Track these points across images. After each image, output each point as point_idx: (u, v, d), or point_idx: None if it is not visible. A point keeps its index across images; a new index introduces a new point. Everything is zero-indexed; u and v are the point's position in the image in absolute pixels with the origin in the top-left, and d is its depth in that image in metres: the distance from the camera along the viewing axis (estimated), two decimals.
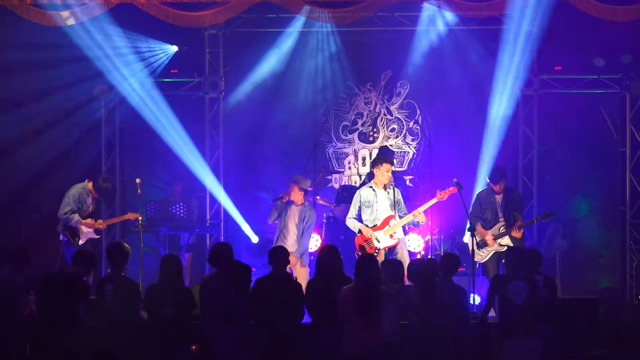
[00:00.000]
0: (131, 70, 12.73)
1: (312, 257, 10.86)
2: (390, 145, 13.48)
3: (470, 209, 10.98)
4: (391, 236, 10.74)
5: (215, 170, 13.04)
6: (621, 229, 12.83)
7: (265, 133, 13.47)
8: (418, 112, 13.55)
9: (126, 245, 8.84)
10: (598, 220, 13.05)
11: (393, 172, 11.02)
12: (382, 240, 10.69)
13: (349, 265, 8.53)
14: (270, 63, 13.30)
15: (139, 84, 12.81)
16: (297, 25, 13.01)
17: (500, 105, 12.82)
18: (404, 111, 13.58)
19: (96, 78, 12.72)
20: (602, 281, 12.77)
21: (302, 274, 10.77)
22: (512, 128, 12.91)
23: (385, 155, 11.56)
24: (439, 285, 8.14)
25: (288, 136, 13.45)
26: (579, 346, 8.69)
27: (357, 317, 7.81)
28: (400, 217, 10.82)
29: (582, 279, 12.76)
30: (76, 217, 11.34)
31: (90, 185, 11.52)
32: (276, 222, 11.23)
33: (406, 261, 10.39)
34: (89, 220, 11.45)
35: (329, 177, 13.62)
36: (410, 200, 11.95)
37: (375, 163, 11.01)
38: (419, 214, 10.78)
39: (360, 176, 13.45)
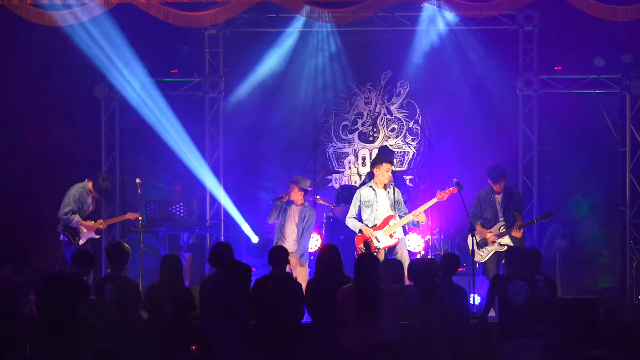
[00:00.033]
0: (131, 70, 12.72)
1: (312, 257, 10.86)
2: (390, 145, 13.47)
3: (471, 209, 10.99)
4: (391, 236, 10.75)
5: (215, 170, 13.03)
6: (621, 229, 12.82)
7: (265, 133, 13.47)
8: (418, 112, 13.55)
9: (126, 245, 8.85)
10: (598, 220, 13.04)
11: (393, 172, 11.02)
12: (382, 240, 10.70)
13: (349, 265, 8.54)
14: (270, 63, 13.28)
15: (139, 84, 12.81)
16: (297, 25, 13.00)
17: (500, 105, 12.83)
18: (404, 111, 13.59)
19: (96, 78, 12.73)
20: (602, 281, 12.78)
21: (301, 274, 10.77)
22: (512, 128, 12.92)
23: (385, 155, 11.56)
24: (439, 285, 8.14)
25: (288, 136, 13.45)
26: (579, 346, 8.67)
27: (356, 316, 7.81)
28: (400, 217, 10.82)
29: (582, 279, 12.75)
30: (77, 218, 11.35)
31: (90, 184, 11.53)
32: (276, 221, 11.24)
33: (406, 261, 10.41)
34: (89, 222, 11.46)
35: (329, 177, 13.62)
36: (410, 200, 11.96)
37: (375, 163, 11.01)
38: (419, 214, 10.79)
39: (360, 176, 13.45)
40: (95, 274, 11.03)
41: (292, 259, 10.87)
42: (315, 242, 12.13)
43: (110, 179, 11.85)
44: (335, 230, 12.25)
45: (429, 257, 11.50)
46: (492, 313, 8.97)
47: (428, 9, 12.61)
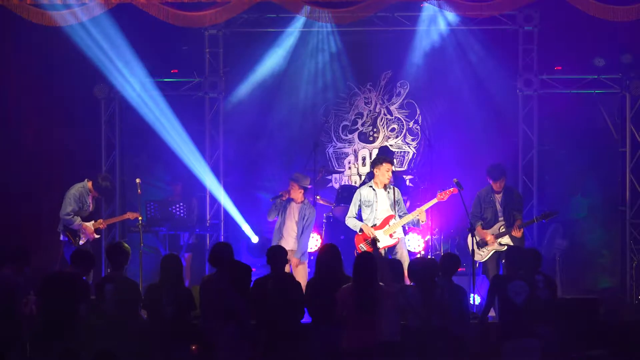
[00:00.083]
0: (131, 70, 12.72)
1: (312, 257, 10.86)
2: (390, 145, 13.47)
3: (471, 209, 10.99)
4: (391, 236, 10.75)
5: (215, 170, 13.03)
6: (621, 229, 12.82)
7: (265, 133, 13.47)
8: (418, 112, 13.55)
9: (126, 245, 8.85)
10: (598, 220, 13.04)
11: (393, 172, 11.02)
12: (381, 240, 10.69)
13: (349, 265, 8.53)
14: (270, 63, 13.28)
15: (139, 84, 12.81)
16: (297, 25, 13.00)
17: (500, 105, 12.83)
18: (404, 111, 13.58)
19: (96, 78, 12.72)
20: (602, 281, 12.78)
21: (301, 274, 10.78)
22: (512, 128, 12.92)
23: (385, 155, 11.56)
24: (439, 285, 8.15)
25: (288, 136, 13.45)
26: (579, 346, 8.67)
27: (356, 316, 7.82)
28: (400, 217, 10.82)
29: (582, 279, 12.75)
30: (78, 220, 11.35)
31: (89, 184, 11.55)
32: (276, 219, 11.24)
33: (406, 261, 10.41)
34: (90, 227, 11.47)
35: (329, 177, 13.61)
36: (411, 200, 11.96)
37: (375, 163, 11.01)
38: (419, 214, 10.79)
39: (360, 176, 13.45)
40: (95, 274, 11.03)
41: (293, 259, 10.87)
42: (315, 242, 12.12)
43: (109, 178, 11.87)
44: (335, 230, 12.25)
45: (429, 257, 11.50)
46: (492, 313, 8.96)
47: (428, 9, 12.61)
